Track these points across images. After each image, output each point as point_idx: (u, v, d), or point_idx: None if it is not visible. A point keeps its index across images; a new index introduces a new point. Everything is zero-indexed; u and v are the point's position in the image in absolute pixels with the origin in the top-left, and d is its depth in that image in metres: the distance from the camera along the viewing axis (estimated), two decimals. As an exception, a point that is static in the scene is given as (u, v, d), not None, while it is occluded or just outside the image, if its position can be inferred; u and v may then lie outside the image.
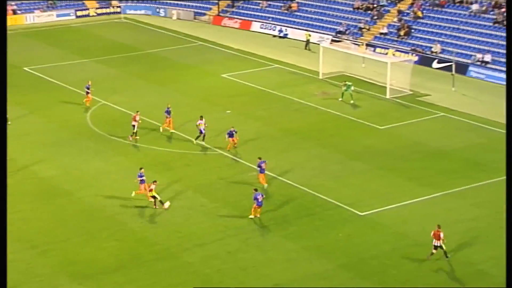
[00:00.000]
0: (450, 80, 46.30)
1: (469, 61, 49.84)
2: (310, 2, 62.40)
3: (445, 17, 54.32)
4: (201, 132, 37.14)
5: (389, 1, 58.57)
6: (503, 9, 51.53)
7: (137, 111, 38.12)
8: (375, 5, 58.62)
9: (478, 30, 51.84)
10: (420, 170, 33.86)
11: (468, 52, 50.62)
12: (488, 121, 40.20)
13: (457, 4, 54.62)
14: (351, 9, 59.87)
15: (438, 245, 26.00)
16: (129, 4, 69.27)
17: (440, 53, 51.56)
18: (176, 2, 68.84)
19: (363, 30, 56.97)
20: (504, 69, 47.27)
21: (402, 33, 54.70)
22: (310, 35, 56.54)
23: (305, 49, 56.30)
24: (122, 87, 47.32)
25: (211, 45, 58.53)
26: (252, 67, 51.76)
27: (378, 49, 53.67)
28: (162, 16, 67.67)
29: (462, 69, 48.74)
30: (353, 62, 49.04)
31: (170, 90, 46.82)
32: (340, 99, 43.87)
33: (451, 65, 47.00)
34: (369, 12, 58.58)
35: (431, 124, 40.08)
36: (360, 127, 39.94)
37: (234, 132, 36.41)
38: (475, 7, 53.14)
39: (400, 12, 56.67)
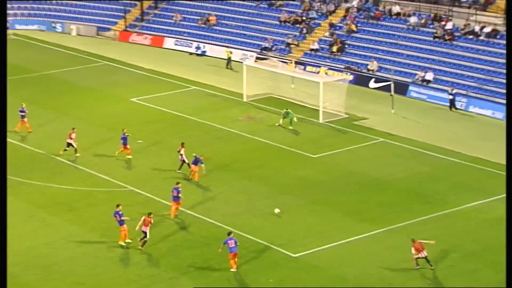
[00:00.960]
0: (389, 101, 47.62)
1: (409, 80, 51.45)
2: (230, 15, 63.15)
3: (381, 31, 56.02)
4: (184, 162, 37.26)
5: (319, 14, 59.93)
6: (443, 22, 53.61)
7: (73, 128, 40.26)
8: (304, 18, 59.87)
9: (418, 45, 53.67)
10: (359, 204, 34.52)
11: (408, 70, 52.27)
12: (432, 147, 41.47)
13: (394, 17, 56.45)
14: (277, 22, 60.92)
15: (423, 256, 28.35)
16: (18, 18, 68.11)
17: (378, 71, 53.02)
18: (75, 15, 68.29)
19: (292, 46, 58.00)
20: (447, 88, 49.02)
21: (334, 49, 55.99)
22: (231, 52, 57.13)
23: (227, 68, 56.80)
24: (12, 116, 46.28)
25: (118, 64, 58.23)
26: (166, 90, 51.76)
27: (308, 68, 54.69)
28: (59, 32, 66.92)
29: (401, 88, 50.23)
30: (281, 82, 49.77)
31: (70, 118, 46.20)
32: (277, 124, 44.31)
33: (389, 85, 48.39)
34: (297, 26, 59.75)
35: (370, 151, 41.01)
36: (291, 156, 40.46)
37: (199, 160, 36.38)
38: (413, 20, 55.07)
39: (332, 25, 58.07)
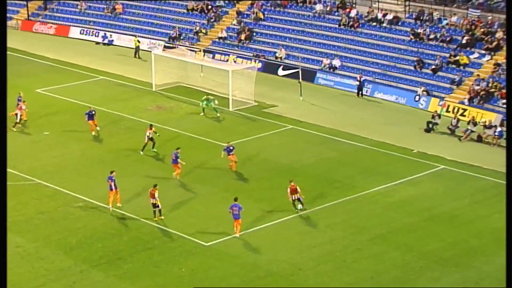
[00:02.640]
0: (297, 88, 48.21)
1: (316, 67, 52.18)
2: (137, 3, 62.41)
3: (288, 18, 56.49)
4: (151, 140, 38.05)
5: (226, 1, 59.96)
6: (348, 10, 54.55)
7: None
8: (211, 6, 59.76)
9: (324, 32, 54.42)
10: (269, 191, 34.91)
11: (315, 57, 52.98)
12: (339, 132, 42.25)
13: (300, 5, 57.01)
14: (185, 11, 60.60)
15: (296, 198, 32.03)
16: None
17: (285, 58, 53.51)
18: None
19: (200, 34, 57.85)
20: (353, 75, 49.98)
21: (243, 37, 56.17)
22: (139, 42, 56.54)
23: (135, 57, 56.19)
24: None
25: (21, 55, 56.73)
26: (73, 80, 50.85)
27: (217, 56, 54.71)
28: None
29: (309, 76, 50.90)
30: (190, 71, 49.64)
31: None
32: (201, 113, 44.16)
33: (297, 72, 48.95)
34: (205, 14, 59.61)
35: (279, 138, 41.47)
36: (202, 144, 40.47)
37: (231, 148, 36.81)
38: (318, 7, 55.74)
39: (239, 13, 58.19)
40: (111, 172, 33.07)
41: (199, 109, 45.09)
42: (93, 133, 41.17)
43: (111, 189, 32.67)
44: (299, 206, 32.54)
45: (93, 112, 41.49)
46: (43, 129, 42.12)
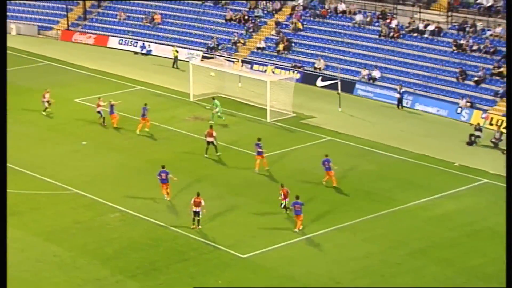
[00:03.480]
0: (336, 99, 48.11)
1: (355, 78, 52.05)
2: (176, 14, 62.97)
3: (327, 29, 56.50)
4: (212, 144, 39.48)
5: (265, 12, 60.17)
6: (388, 20, 54.38)
7: (46, 89, 47.03)
8: (249, 16, 60.03)
9: (364, 43, 54.31)
10: (307, 203, 34.78)
11: (354, 68, 52.86)
12: (379, 144, 42.03)
13: (340, 15, 57.02)
14: (223, 21, 60.96)
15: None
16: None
17: (324, 69, 53.48)
18: (15, 14, 67.23)
19: (238, 44, 58.14)
20: (394, 86, 49.76)
21: (281, 47, 56.30)
22: (177, 51, 56.99)
23: (173, 67, 56.64)
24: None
25: (61, 64, 57.58)
26: (111, 90, 51.39)
27: (255, 66, 54.91)
28: (-2, 31, 65.78)
29: (348, 87, 50.80)
30: (228, 81, 49.86)
31: (11, 120, 44.99)
32: (211, 121, 44.50)
33: (336, 83, 48.88)
34: (243, 24, 59.90)
35: (318, 150, 41.33)
36: (239, 155, 40.57)
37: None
38: (358, 18, 55.69)
39: (278, 24, 58.36)
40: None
41: (236, 120, 45.26)
42: (146, 129, 43.07)
43: (163, 182, 34.43)
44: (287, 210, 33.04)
45: (146, 109, 43.07)
46: (81, 139, 42.63)
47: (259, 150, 37.83)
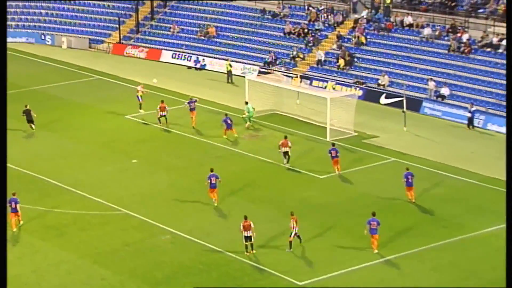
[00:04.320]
0: (401, 118, 47.61)
1: (422, 96, 51.45)
2: (231, 26, 63.33)
3: (393, 43, 56.09)
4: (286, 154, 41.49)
5: (326, 25, 60.10)
6: (459, 34, 53.69)
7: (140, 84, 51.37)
8: (309, 29, 60.03)
9: (432, 58, 53.71)
10: (370, 228, 34.44)
11: (421, 85, 52.28)
12: (447, 166, 41.39)
13: (406, 28, 56.56)
14: (281, 34, 61.07)
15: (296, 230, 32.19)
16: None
17: (389, 86, 53.04)
18: (66, 27, 68.53)
19: (297, 59, 58.13)
20: (464, 104, 49.01)
21: (343, 62, 56.08)
22: (231, 66, 57.22)
23: (228, 82, 56.88)
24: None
25: (112, 79, 58.33)
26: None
27: (315, 82, 54.77)
28: (49, 45, 67.11)
29: (414, 105, 50.25)
30: (285, 97, 49.82)
31: (60, 136, 46.28)
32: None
33: (401, 100, 48.38)
34: (303, 37, 59.90)
35: (381, 172, 40.93)
36: (297, 176, 40.38)
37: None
38: (426, 31, 55.16)
39: (340, 37, 58.20)
40: (211, 170, 36.47)
41: (294, 139, 45.09)
42: (234, 136, 45.66)
43: (212, 187, 36.09)
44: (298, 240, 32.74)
45: (230, 120, 45.19)
46: (131, 157, 42.99)
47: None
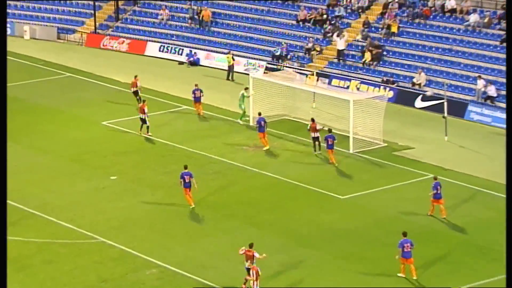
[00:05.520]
0: (442, 125, 47.76)
1: (468, 97, 51.63)
2: (232, 12, 63.64)
3: (431, 32, 56.30)
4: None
5: (349, 10, 60.36)
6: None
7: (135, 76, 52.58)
8: (329, 16, 60.27)
9: (479, 51, 53.91)
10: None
11: (467, 84, 52.47)
12: (498, 185, 41.42)
13: (448, 15, 56.79)
14: (294, 22, 61.35)
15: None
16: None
17: (426, 85, 53.24)
18: (29, 14, 68.89)
19: (313, 53, 58.37)
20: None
21: (369, 56, 56.31)
22: (233, 59, 57.48)
23: (227, 79, 57.16)
24: None
25: (86, 77, 58.65)
26: (149, 110, 51.98)
27: (335, 81, 55.00)
28: (8, 35, 67.46)
29: (458, 109, 50.40)
30: (298, 100, 50.00)
31: (22, 147, 46.52)
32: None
33: (442, 104, 48.54)
34: (320, 26, 60.14)
35: (415, 191, 41.02)
36: (312, 196, 40.53)
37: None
38: (473, 18, 55.36)
39: (366, 25, 58.46)
40: (185, 168, 38.31)
41: (310, 150, 45.33)
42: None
43: (186, 187, 38.23)
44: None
45: (264, 122, 46.36)
46: (109, 173, 43.18)
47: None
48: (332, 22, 59.75)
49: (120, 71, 59.10)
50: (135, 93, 52.40)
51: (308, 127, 45.14)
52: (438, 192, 37.65)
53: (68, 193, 41.11)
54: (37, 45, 65.28)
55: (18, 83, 57.35)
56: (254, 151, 46.14)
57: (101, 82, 57.68)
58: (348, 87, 53.90)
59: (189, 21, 63.93)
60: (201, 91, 50.93)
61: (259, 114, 46.63)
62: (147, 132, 47.45)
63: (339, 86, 53.79)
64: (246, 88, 49.65)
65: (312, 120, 45.02)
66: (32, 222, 38.05)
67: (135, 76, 52.53)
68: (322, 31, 59.70)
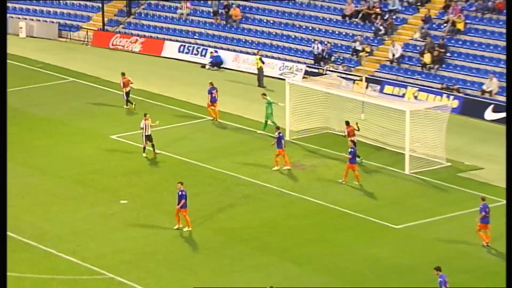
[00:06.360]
0: (516, 141, 47.51)
1: (547, 108, 51.32)
2: (264, 5, 63.62)
3: (504, 30, 55.96)
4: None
5: (405, 4, 60.20)
6: None
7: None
8: (381, 10, 60.08)
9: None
10: (469, 303, 34.39)
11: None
12: None
13: (523, 9, 56.55)
14: (340, 18, 61.31)
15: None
16: None
17: (498, 93, 52.93)
18: (26, 6, 69.27)
19: (361, 54, 58.24)
20: None
21: (429, 59, 56.10)
22: (263, 62, 57.38)
23: (258, 86, 57.07)
24: None
25: (92, 83, 58.88)
26: (166, 122, 51.98)
27: (387, 88, 54.83)
28: (1, 32, 67.96)
29: (536, 121, 50.12)
30: (344, 110, 49.86)
31: (16, 165, 46.57)
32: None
33: (517, 115, 48.36)
34: (371, 23, 60.02)
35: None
36: (361, 226, 40.40)
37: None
38: (554, 13, 55.07)
39: (425, 21, 58.26)
40: (181, 184, 39.20)
41: (358, 169, 45.10)
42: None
43: (184, 208, 39.07)
44: None
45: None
46: (119, 196, 43.17)
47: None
48: (385, 18, 59.63)
49: (133, 75, 59.01)
50: (128, 94, 53.24)
51: (344, 133, 46.39)
52: (487, 215, 37.53)
53: (69, 221, 41.12)
54: (34, 44, 65.56)
55: (11, 89, 57.35)
56: (291, 171, 45.97)
57: (110, 88, 57.80)
58: (403, 95, 53.73)
59: (214, 16, 64.03)
60: (217, 91, 51.49)
61: (278, 128, 46.49)
62: (154, 151, 47.49)
63: (393, 94, 53.65)
64: (264, 94, 50.54)
65: (347, 123, 46.24)
66: (28, 255, 38.05)
67: (123, 74, 53.68)
68: (373, 28, 59.59)
